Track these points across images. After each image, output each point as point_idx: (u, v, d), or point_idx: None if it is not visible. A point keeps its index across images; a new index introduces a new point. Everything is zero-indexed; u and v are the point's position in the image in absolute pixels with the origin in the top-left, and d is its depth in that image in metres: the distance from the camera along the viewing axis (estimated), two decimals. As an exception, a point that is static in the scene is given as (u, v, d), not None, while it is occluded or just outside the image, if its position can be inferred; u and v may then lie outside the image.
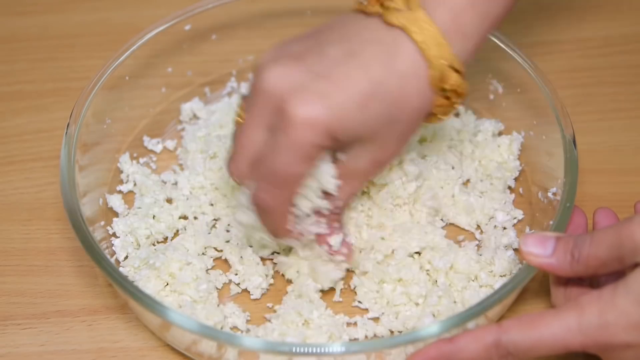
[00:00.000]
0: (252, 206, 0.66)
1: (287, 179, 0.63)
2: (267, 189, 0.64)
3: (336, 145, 0.63)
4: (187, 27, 0.82)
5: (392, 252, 0.71)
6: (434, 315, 0.68)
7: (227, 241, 0.73)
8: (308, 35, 0.65)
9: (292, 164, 0.62)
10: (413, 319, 0.68)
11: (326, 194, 0.66)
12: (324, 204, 0.66)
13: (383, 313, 0.69)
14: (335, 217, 0.69)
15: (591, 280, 0.65)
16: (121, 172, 0.78)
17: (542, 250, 0.63)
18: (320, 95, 0.61)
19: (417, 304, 0.69)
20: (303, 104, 0.61)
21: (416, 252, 0.72)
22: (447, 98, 0.64)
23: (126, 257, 0.72)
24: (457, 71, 0.63)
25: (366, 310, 0.70)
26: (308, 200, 0.66)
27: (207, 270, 0.72)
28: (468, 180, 0.77)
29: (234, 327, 0.70)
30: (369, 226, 0.73)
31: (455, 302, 0.70)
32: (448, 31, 0.62)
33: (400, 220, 0.73)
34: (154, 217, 0.74)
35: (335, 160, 0.65)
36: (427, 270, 0.71)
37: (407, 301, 0.69)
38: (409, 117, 0.64)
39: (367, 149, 0.64)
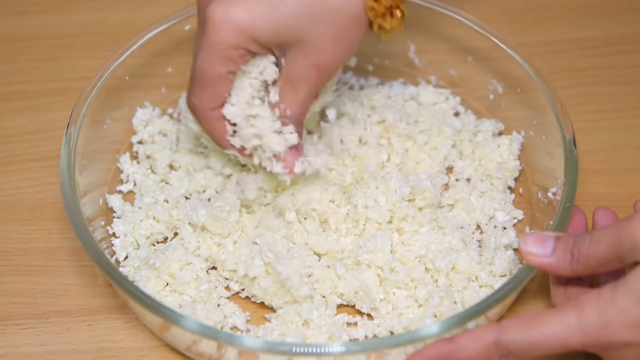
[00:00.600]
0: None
1: (208, 79, 0.67)
2: (193, 92, 0.68)
3: (264, 49, 0.66)
4: (187, 27, 0.82)
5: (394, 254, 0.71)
6: (435, 317, 0.68)
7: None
8: None
9: (211, 63, 0.66)
10: (415, 320, 0.68)
11: (273, 105, 0.68)
12: (263, 111, 0.68)
13: (387, 313, 0.69)
14: (292, 127, 0.69)
15: (591, 279, 0.65)
16: (121, 172, 0.78)
17: (541, 250, 0.63)
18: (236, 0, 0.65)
19: (420, 306, 0.69)
20: (218, 6, 0.65)
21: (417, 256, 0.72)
22: (376, 1, 0.66)
23: (126, 257, 0.72)
24: None
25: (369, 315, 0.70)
26: (246, 104, 0.68)
27: (207, 270, 0.72)
28: (468, 179, 0.78)
29: (234, 327, 0.70)
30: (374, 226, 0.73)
31: (455, 302, 0.69)
32: None
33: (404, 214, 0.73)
34: (153, 217, 0.74)
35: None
36: (430, 270, 0.71)
37: (412, 304, 0.69)
38: (335, 17, 0.65)
39: (302, 53, 0.66)
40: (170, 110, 0.83)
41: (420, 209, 0.73)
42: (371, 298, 0.69)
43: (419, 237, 0.72)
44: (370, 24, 0.68)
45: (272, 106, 0.68)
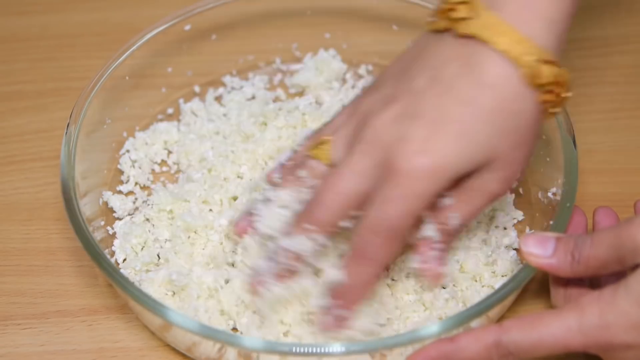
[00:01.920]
0: (343, 259, 0.64)
1: (400, 231, 0.62)
2: (375, 242, 0.62)
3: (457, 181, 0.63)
4: (187, 27, 0.82)
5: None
6: (440, 319, 0.68)
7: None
8: (395, 73, 0.64)
9: (406, 215, 0.61)
10: (420, 324, 0.68)
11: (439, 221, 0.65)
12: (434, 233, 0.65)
13: (389, 319, 0.69)
14: (451, 241, 0.67)
15: (591, 280, 0.65)
16: (122, 172, 0.78)
17: (542, 251, 0.62)
18: (424, 142, 0.60)
19: (426, 309, 0.69)
20: (412, 156, 0.60)
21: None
22: (551, 92, 0.61)
23: (125, 260, 0.72)
24: (549, 62, 0.60)
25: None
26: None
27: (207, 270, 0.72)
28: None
29: (234, 328, 0.70)
30: None
31: (458, 303, 0.69)
32: (525, 22, 0.60)
33: None
34: (153, 222, 0.74)
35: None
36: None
37: (418, 308, 0.69)
38: (518, 124, 0.61)
39: (492, 169, 0.62)
40: (170, 111, 0.83)
41: None
42: (387, 309, 0.69)
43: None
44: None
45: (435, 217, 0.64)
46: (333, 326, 0.65)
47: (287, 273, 0.65)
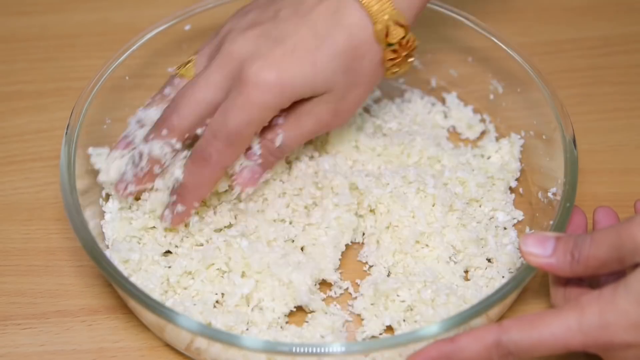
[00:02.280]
0: (187, 161, 0.69)
1: (240, 138, 0.67)
2: (214, 144, 0.67)
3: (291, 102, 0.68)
4: (187, 27, 0.82)
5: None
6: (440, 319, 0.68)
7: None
8: (262, 4, 0.71)
9: (248, 124, 0.66)
10: (419, 323, 0.68)
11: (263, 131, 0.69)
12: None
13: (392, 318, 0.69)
14: (270, 160, 0.71)
15: (591, 280, 0.65)
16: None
17: (541, 251, 0.62)
18: (275, 60, 0.66)
19: (433, 309, 0.69)
20: (260, 69, 0.66)
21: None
22: (395, 52, 0.69)
23: (127, 261, 0.72)
24: (400, 25, 0.68)
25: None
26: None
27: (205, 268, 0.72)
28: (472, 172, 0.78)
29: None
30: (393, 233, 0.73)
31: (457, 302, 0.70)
32: None
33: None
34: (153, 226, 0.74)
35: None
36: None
37: (418, 308, 0.69)
38: (361, 68, 0.68)
39: (325, 100, 0.68)
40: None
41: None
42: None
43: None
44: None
45: (261, 133, 0.69)
46: (173, 221, 0.70)
47: (148, 176, 0.71)
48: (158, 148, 0.69)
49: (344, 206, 0.72)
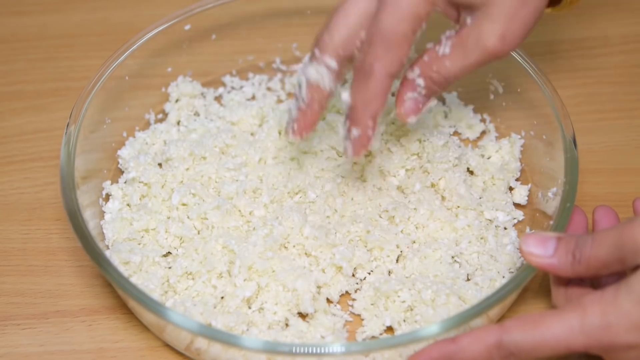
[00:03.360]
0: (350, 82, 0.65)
1: (395, 39, 0.63)
2: (372, 53, 0.63)
3: (450, 9, 0.63)
4: (187, 27, 0.82)
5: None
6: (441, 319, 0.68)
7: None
8: None
9: (399, 21, 0.62)
10: (420, 323, 0.68)
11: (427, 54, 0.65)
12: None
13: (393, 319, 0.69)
14: (434, 90, 0.67)
15: (592, 280, 0.65)
16: (121, 172, 0.78)
17: (543, 251, 0.62)
18: None
19: (433, 309, 0.69)
20: None
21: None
22: None
23: (127, 262, 0.72)
24: None
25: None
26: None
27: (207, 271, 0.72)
28: (471, 172, 0.78)
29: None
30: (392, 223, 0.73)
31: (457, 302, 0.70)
32: None
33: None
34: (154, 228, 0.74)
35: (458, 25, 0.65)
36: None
37: (418, 307, 0.69)
38: None
39: (489, 16, 0.63)
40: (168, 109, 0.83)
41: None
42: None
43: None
44: None
45: (425, 64, 0.65)
46: (353, 150, 0.66)
47: (311, 109, 0.67)
48: (314, 72, 0.66)
49: None
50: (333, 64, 0.66)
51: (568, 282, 0.65)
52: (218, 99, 0.85)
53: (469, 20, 0.65)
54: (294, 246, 0.72)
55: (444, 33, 0.65)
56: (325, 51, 0.66)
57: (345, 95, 0.66)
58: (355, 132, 0.66)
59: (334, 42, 0.65)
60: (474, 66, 0.65)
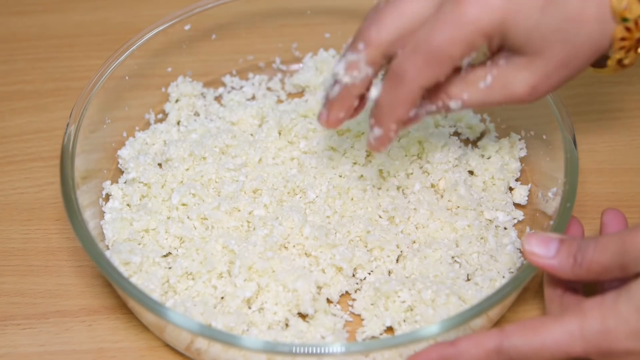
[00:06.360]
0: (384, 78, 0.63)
1: (440, 56, 0.61)
2: (412, 60, 0.61)
3: (500, 45, 0.62)
4: (187, 27, 0.82)
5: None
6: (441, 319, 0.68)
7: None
8: None
9: (451, 40, 0.60)
10: (419, 323, 0.68)
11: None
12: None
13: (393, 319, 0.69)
14: (436, 112, 0.66)
15: (592, 286, 0.65)
16: (121, 172, 0.78)
17: (544, 251, 0.62)
18: None
19: (433, 309, 0.69)
20: None
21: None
22: (629, 30, 0.61)
23: (128, 263, 0.72)
24: None
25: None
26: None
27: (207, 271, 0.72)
28: (471, 172, 0.78)
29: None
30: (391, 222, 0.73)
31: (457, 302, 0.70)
32: None
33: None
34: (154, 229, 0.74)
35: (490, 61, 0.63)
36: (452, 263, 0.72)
37: (419, 307, 0.69)
38: (582, 42, 0.61)
39: (530, 66, 0.62)
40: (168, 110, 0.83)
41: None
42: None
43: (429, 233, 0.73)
44: (605, 57, 0.63)
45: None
46: (372, 146, 0.66)
47: (348, 92, 0.65)
48: (349, 74, 0.64)
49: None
50: (369, 70, 0.64)
51: (563, 289, 0.65)
52: (218, 99, 0.85)
53: (502, 61, 0.63)
54: (294, 246, 0.72)
55: (462, 60, 0.63)
56: (370, 46, 0.63)
57: (375, 92, 0.65)
58: (377, 131, 0.65)
59: (381, 39, 0.62)
60: (492, 105, 0.65)
